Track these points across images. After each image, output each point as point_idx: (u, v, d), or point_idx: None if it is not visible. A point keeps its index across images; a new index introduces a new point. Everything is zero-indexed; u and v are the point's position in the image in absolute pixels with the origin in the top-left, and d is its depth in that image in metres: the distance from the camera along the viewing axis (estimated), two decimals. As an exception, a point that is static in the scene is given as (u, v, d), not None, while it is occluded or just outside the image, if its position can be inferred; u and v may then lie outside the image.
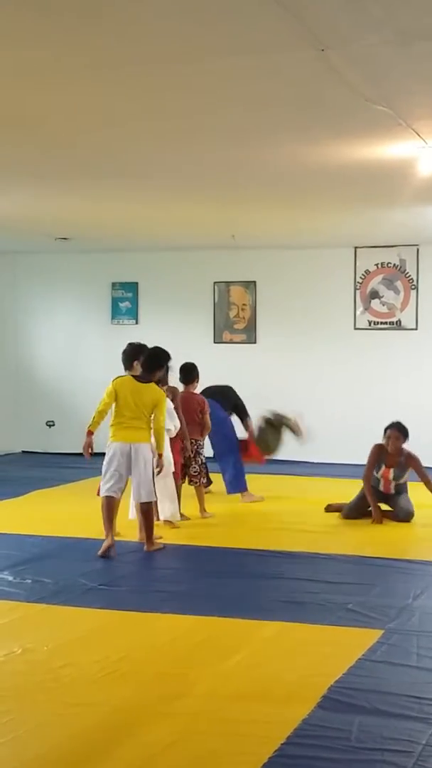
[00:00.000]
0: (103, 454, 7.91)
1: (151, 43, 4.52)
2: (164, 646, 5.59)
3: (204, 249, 13.03)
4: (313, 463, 11.48)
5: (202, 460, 9.41)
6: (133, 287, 13.72)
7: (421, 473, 9.03)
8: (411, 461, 9.08)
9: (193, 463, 9.33)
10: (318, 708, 4.56)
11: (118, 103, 5.66)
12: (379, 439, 9.21)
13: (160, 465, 7.80)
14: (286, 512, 9.70)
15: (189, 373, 9.47)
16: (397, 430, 9.14)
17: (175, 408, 8.93)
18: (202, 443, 9.47)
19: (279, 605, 6.30)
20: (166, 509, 8.75)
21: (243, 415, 10.50)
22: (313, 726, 4.36)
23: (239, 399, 10.56)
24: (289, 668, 5.18)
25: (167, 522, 8.74)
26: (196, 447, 9.36)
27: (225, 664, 5.21)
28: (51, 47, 4.59)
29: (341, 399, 12.60)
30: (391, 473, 9.06)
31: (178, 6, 4.04)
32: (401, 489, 9.13)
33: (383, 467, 9.08)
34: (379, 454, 9.15)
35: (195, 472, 9.34)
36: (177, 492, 8.95)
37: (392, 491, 9.09)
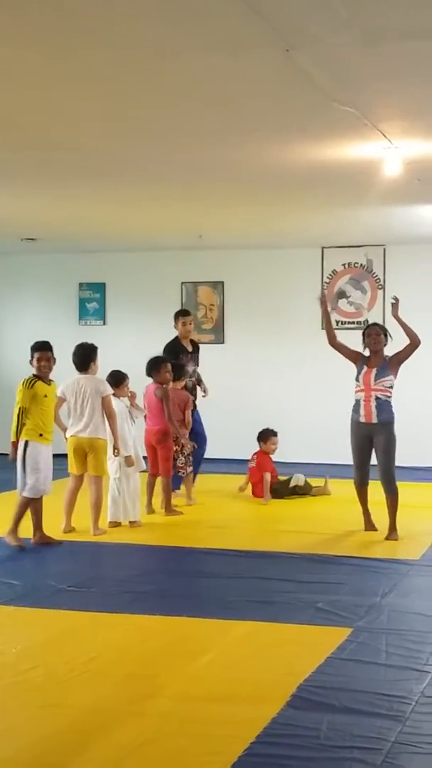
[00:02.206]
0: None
1: (118, 43, 4.51)
2: (134, 647, 5.58)
3: (171, 249, 13.01)
4: (281, 462, 11.46)
5: (186, 452, 9.73)
6: (100, 288, 13.68)
7: (407, 346, 8.39)
8: (394, 356, 8.46)
9: (180, 455, 9.69)
10: (287, 707, 4.57)
11: (85, 104, 5.64)
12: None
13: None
14: (255, 512, 9.73)
15: (177, 371, 9.71)
16: (376, 326, 8.71)
17: (164, 406, 9.29)
18: (186, 436, 9.73)
19: (248, 605, 6.31)
20: (128, 509, 8.82)
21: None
22: (282, 725, 4.37)
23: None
24: (258, 668, 5.19)
25: (131, 523, 8.83)
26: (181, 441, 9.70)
27: (195, 665, 5.21)
28: (16, 47, 4.57)
29: (309, 398, 12.63)
30: (373, 373, 8.32)
31: (145, 5, 4.03)
32: (385, 417, 8.35)
33: (365, 368, 8.39)
34: (355, 357, 8.58)
35: (181, 464, 9.74)
36: (168, 487, 9.36)
37: (374, 419, 8.32)
